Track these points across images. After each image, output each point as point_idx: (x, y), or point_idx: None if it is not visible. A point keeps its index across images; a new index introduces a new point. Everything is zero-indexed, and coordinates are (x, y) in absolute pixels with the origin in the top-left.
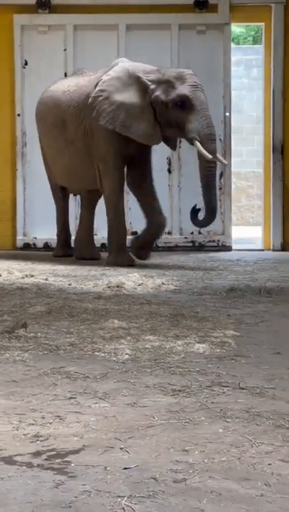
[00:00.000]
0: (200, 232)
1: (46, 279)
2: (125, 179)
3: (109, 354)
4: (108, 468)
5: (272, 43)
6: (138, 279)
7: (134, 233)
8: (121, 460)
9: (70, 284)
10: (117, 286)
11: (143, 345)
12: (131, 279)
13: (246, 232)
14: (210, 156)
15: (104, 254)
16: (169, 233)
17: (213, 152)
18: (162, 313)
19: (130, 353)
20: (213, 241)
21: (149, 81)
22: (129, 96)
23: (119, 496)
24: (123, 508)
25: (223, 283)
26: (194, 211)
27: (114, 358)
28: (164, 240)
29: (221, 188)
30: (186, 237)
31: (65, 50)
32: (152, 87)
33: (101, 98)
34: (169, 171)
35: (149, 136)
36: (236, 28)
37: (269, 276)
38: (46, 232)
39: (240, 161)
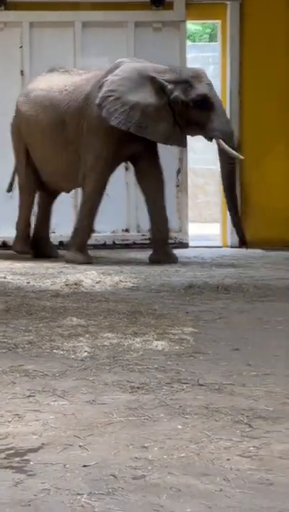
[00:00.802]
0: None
1: (4, 277)
2: (135, 176)
3: (68, 352)
4: (67, 466)
5: (229, 41)
6: (96, 277)
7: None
8: (80, 457)
9: (28, 282)
10: (75, 284)
11: (101, 343)
12: (89, 277)
13: (203, 229)
14: (238, 155)
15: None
16: (127, 230)
17: (235, 149)
18: (120, 310)
19: (89, 351)
20: (170, 238)
21: (166, 81)
22: (144, 96)
23: (78, 494)
24: (82, 506)
25: (181, 280)
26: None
27: (72, 356)
28: (121, 237)
29: (178, 185)
30: (143, 235)
31: (21, 47)
32: (170, 87)
33: (112, 98)
34: (126, 169)
35: (169, 136)
36: (192, 26)
37: (227, 273)
38: (3, 231)
39: (196, 157)
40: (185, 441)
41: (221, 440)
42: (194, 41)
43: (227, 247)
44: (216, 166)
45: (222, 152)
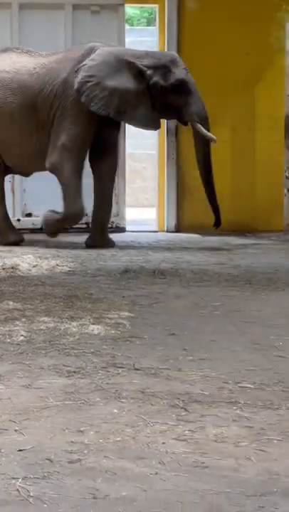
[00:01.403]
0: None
1: None
2: (89, 158)
3: (4, 336)
4: (2, 451)
5: (166, 25)
6: (33, 261)
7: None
8: (16, 442)
9: None
10: (12, 268)
11: (38, 327)
12: (25, 261)
13: (140, 213)
14: (214, 137)
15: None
16: None
17: (209, 132)
18: (57, 294)
19: (25, 335)
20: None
21: (145, 66)
22: (123, 81)
23: (13, 478)
24: (18, 490)
25: (118, 264)
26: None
27: (8, 340)
28: None
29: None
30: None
31: None
32: (149, 72)
33: (90, 84)
34: None
35: (149, 121)
36: (130, 10)
37: (163, 258)
38: None
39: (134, 142)
40: (121, 425)
41: (157, 424)
42: (132, 25)
43: (163, 231)
44: (154, 151)
45: (198, 135)
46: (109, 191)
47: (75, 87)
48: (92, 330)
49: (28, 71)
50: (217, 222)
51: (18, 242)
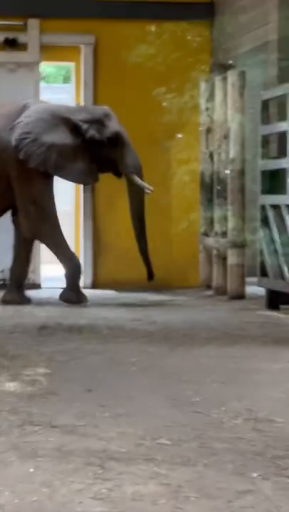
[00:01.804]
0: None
1: None
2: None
3: None
4: None
5: (82, 83)
6: None
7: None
8: None
9: None
10: None
11: None
12: None
13: (56, 270)
14: (150, 188)
15: None
16: None
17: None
18: None
19: None
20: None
21: (80, 121)
22: (60, 137)
23: None
24: None
25: (34, 321)
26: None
27: None
28: None
29: None
30: None
31: None
32: (85, 126)
33: (28, 140)
34: None
35: (87, 175)
36: (47, 68)
37: (80, 314)
38: None
39: None
40: (37, 484)
41: (74, 483)
42: (49, 83)
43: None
44: (69, 207)
45: (132, 187)
46: (30, 247)
47: (13, 143)
48: (8, 387)
49: None
50: (150, 275)
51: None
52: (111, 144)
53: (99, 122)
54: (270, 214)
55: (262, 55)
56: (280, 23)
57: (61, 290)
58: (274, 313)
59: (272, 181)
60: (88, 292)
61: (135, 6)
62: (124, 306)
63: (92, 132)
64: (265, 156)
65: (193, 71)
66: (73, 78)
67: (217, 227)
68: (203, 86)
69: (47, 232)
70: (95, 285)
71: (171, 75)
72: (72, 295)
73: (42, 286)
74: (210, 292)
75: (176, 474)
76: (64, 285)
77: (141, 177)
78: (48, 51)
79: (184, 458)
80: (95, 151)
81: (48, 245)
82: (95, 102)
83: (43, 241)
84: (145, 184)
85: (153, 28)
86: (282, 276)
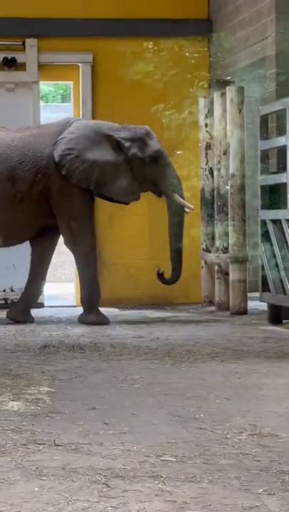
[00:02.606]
0: (12, 290)
1: None
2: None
3: None
4: None
5: (81, 101)
6: None
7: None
8: None
9: None
10: None
11: None
12: None
13: (58, 288)
14: (191, 206)
15: None
16: None
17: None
18: None
19: None
20: None
21: (122, 138)
22: (102, 154)
23: None
24: None
25: (37, 340)
26: (160, 277)
27: None
28: None
29: None
30: None
31: None
32: (127, 144)
33: (71, 156)
34: None
35: (128, 193)
36: (45, 86)
37: (82, 332)
38: None
39: None
40: (42, 503)
41: (79, 501)
42: (47, 102)
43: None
44: None
45: (171, 207)
46: (46, 267)
47: (56, 160)
48: (12, 406)
49: (6, 144)
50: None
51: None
52: (152, 162)
53: (140, 140)
54: (271, 229)
55: (260, 70)
56: (278, 37)
57: (80, 312)
58: (277, 328)
59: (272, 196)
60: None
61: (132, 23)
62: (127, 323)
63: (134, 150)
64: (265, 171)
65: (192, 87)
66: (72, 96)
67: (218, 243)
68: (201, 102)
69: (84, 250)
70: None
71: (170, 92)
72: (91, 318)
73: (45, 304)
74: (212, 308)
75: (181, 491)
76: (67, 303)
77: (182, 196)
78: (47, 70)
79: (189, 474)
80: (136, 169)
81: (78, 263)
82: (94, 119)
83: (76, 257)
84: (186, 203)
85: (151, 44)
86: (284, 291)
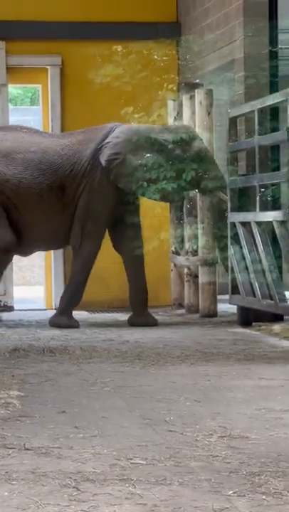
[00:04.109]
0: None
1: None
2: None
3: None
4: None
5: (50, 104)
6: None
7: None
8: None
9: None
10: None
11: None
12: None
13: (28, 291)
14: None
15: None
16: None
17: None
18: None
19: None
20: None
21: (166, 140)
22: (147, 157)
23: None
24: None
25: (6, 343)
26: None
27: None
28: None
29: None
30: None
31: None
32: (170, 146)
33: (118, 161)
34: None
35: (173, 194)
36: (14, 90)
37: (52, 335)
38: None
39: None
40: (12, 508)
41: (49, 505)
42: (16, 105)
43: (52, 309)
44: None
45: (215, 204)
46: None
47: (103, 165)
48: None
49: (56, 153)
50: None
51: None
52: (197, 161)
53: (183, 141)
54: (241, 231)
55: (228, 73)
56: (246, 40)
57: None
58: (246, 331)
59: (241, 198)
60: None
61: (101, 26)
62: (97, 326)
63: (177, 151)
64: (234, 173)
65: (161, 90)
66: (40, 100)
67: (188, 246)
68: (170, 105)
69: (85, 254)
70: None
71: (139, 95)
72: (63, 320)
73: (14, 308)
74: (182, 311)
75: (151, 494)
76: (36, 307)
77: (225, 194)
78: (15, 73)
79: (159, 477)
80: (181, 170)
81: (74, 264)
82: (63, 123)
83: (75, 256)
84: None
85: (119, 47)
86: (253, 293)
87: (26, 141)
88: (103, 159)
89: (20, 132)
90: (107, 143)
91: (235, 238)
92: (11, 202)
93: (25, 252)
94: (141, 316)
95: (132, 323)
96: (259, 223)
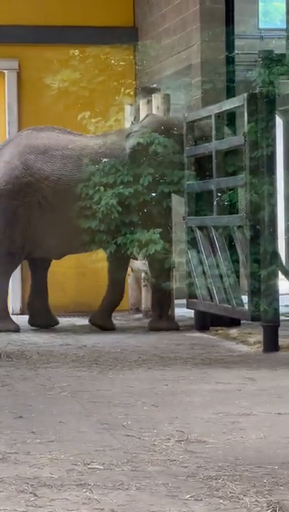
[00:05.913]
0: None
1: None
2: None
3: None
4: None
5: (7, 108)
6: None
7: None
8: None
9: None
10: None
11: None
12: None
13: None
14: None
15: None
16: None
17: None
18: None
19: None
20: None
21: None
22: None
23: None
24: None
25: None
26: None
27: None
28: None
29: None
30: None
31: None
32: (190, 136)
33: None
34: None
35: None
36: None
37: (9, 340)
38: None
39: None
40: None
41: (6, 511)
42: None
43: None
44: None
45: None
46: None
47: (127, 152)
48: None
49: (94, 150)
50: None
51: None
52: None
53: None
54: (198, 235)
55: (185, 78)
56: (203, 46)
57: None
58: (203, 335)
59: (198, 203)
60: (17, 318)
61: (59, 30)
62: (54, 330)
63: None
64: (191, 177)
65: (118, 95)
66: None
67: (144, 250)
68: (128, 109)
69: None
70: (24, 310)
71: (96, 99)
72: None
73: None
74: (139, 315)
75: (108, 499)
76: None
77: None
78: None
79: (117, 482)
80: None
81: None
82: (20, 127)
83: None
84: None
85: (77, 52)
86: (210, 298)
87: (63, 139)
88: (128, 146)
89: (52, 132)
90: (136, 131)
91: (193, 243)
92: (46, 201)
93: (58, 254)
94: (165, 320)
95: (151, 328)
96: (216, 228)
